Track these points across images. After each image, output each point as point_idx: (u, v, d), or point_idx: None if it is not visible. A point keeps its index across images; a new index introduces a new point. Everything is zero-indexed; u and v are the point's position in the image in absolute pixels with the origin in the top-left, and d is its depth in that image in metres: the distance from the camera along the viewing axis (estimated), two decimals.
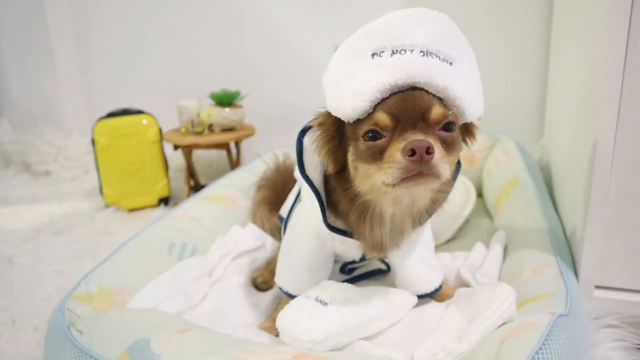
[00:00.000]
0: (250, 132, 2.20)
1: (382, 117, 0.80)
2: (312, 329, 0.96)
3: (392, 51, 0.80)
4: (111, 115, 2.16)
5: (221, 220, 1.58)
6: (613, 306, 1.12)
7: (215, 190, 1.74)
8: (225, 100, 2.15)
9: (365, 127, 0.82)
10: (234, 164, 2.26)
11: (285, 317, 1.00)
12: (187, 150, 2.17)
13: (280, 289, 1.14)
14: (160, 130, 2.18)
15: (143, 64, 2.78)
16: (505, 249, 1.30)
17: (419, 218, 0.98)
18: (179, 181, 2.39)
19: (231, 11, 2.55)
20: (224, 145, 2.18)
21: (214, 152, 2.44)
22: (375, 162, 0.81)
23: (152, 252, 1.32)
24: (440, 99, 0.81)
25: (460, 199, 1.65)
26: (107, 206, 2.18)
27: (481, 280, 1.18)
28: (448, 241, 1.56)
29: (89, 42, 2.86)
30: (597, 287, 1.16)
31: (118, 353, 0.88)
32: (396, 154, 0.78)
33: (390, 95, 0.80)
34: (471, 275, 1.21)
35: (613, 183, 1.07)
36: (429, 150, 0.75)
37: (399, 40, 0.80)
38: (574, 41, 1.47)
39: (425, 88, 0.80)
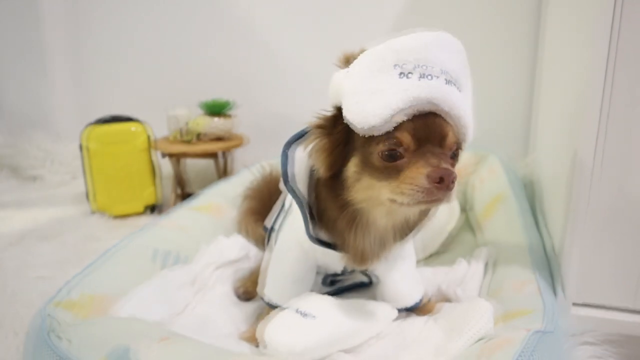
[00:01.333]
0: (239, 142, 2.21)
1: (407, 139, 0.83)
2: (291, 340, 0.96)
3: (420, 75, 0.82)
4: (100, 121, 2.17)
5: (207, 230, 1.58)
6: (591, 323, 1.13)
7: (202, 199, 1.74)
8: (215, 109, 2.16)
9: (384, 145, 0.84)
10: (222, 173, 2.26)
11: (265, 328, 1.01)
12: (176, 158, 2.18)
13: (262, 298, 1.15)
14: (149, 137, 2.18)
15: (135, 71, 2.78)
16: (487, 265, 1.32)
17: (406, 232, 1.00)
18: (168, 188, 2.39)
19: (224, 20, 2.57)
20: (213, 155, 2.19)
21: (203, 161, 2.44)
22: (388, 179, 0.84)
23: (135, 260, 1.32)
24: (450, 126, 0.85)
25: (444, 214, 1.67)
26: (93, 212, 2.18)
27: (462, 295, 1.19)
28: (431, 255, 1.57)
29: (82, 48, 2.86)
30: (575, 304, 1.17)
31: (97, 359, 0.88)
32: (419, 177, 0.80)
33: (412, 118, 0.83)
34: (452, 290, 1.22)
35: (593, 199, 1.08)
36: (453, 179, 0.79)
37: (428, 66, 0.83)
38: (560, 58, 1.50)
39: (443, 115, 0.83)
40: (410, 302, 1.15)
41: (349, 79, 0.88)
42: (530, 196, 1.71)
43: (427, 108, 0.82)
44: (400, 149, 0.83)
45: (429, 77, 0.81)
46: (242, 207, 1.64)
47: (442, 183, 0.78)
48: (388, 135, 0.83)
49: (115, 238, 1.88)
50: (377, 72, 0.85)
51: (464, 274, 1.29)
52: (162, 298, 1.20)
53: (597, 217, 1.10)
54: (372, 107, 0.83)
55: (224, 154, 2.26)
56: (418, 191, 0.80)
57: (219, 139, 2.18)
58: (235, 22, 2.56)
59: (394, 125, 0.83)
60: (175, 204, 2.18)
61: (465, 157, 1.98)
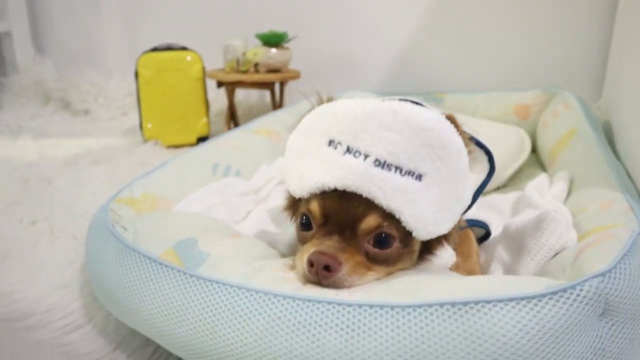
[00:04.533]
0: (296, 75, 2.15)
1: (315, 211, 0.76)
2: None
3: (347, 148, 0.73)
4: (156, 49, 2.13)
5: (266, 151, 1.54)
6: None
7: (259, 124, 1.70)
8: (273, 40, 2.10)
9: (302, 208, 0.79)
10: (277, 106, 2.21)
11: None
12: (231, 88, 2.13)
13: None
14: (203, 68, 2.14)
15: (189, 4, 2.73)
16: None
17: None
18: (219, 125, 2.35)
19: None
20: (269, 85, 2.13)
21: (255, 97, 2.39)
22: (300, 251, 0.77)
23: (196, 169, 1.29)
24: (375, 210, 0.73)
25: (513, 148, 1.59)
26: (145, 141, 2.16)
27: (552, 202, 1.10)
28: (498, 188, 1.49)
29: None
30: None
31: (164, 250, 0.83)
32: (304, 256, 0.73)
33: (331, 191, 0.74)
34: (540, 194, 1.14)
35: None
36: (328, 268, 0.70)
37: (355, 141, 0.73)
38: None
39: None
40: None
41: (292, 135, 0.83)
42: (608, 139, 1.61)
43: (348, 190, 0.72)
44: (310, 217, 0.77)
45: (357, 154, 0.72)
46: None
47: (313, 268, 0.71)
48: (306, 201, 0.78)
49: None
50: (310, 135, 0.78)
51: (546, 185, 1.20)
52: (224, 201, 1.16)
53: None
54: (294, 171, 0.79)
55: (281, 85, 2.21)
56: (300, 273, 0.74)
57: (275, 70, 2.12)
58: None
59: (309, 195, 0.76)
60: None
61: (534, 94, 1.88)
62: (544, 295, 0.61)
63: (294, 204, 0.87)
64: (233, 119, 2.24)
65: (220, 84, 2.13)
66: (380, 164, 0.71)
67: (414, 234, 0.73)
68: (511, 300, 0.61)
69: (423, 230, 0.73)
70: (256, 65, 2.08)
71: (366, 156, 0.71)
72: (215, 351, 0.70)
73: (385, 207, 0.71)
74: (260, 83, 2.09)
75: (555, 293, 0.62)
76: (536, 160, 1.68)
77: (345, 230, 0.74)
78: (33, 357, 0.90)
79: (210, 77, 2.12)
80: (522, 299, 0.61)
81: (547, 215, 0.86)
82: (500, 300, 0.61)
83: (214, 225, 0.97)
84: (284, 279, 0.73)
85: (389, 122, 0.72)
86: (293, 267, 0.77)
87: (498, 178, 1.49)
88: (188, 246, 0.83)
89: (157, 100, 2.11)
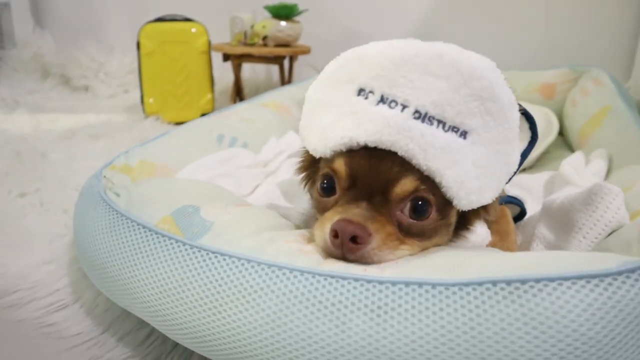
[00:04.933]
0: (306, 49, 2.04)
1: (341, 169, 0.64)
2: None
3: (381, 97, 0.61)
4: (159, 20, 2.02)
5: (275, 125, 1.44)
6: None
7: (268, 97, 1.59)
8: (283, 13, 1.98)
9: (324, 169, 0.68)
10: (286, 83, 2.10)
11: None
12: (237, 62, 2.02)
13: None
14: (209, 41, 2.03)
15: None
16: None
17: None
18: (224, 103, 2.25)
19: None
20: (278, 60, 2.02)
21: (262, 75, 2.28)
22: (320, 220, 0.66)
23: (200, 139, 1.18)
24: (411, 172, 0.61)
25: (541, 129, 1.47)
26: (146, 117, 2.05)
27: (592, 180, 0.99)
28: (524, 170, 1.38)
29: None
30: None
31: (161, 217, 0.73)
32: (326, 225, 0.62)
33: (361, 148, 0.63)
34: (576, 171, 1.03)
35: None
36: (355, 239, 0.59)
37: (391, 89, 0.61)
38: None
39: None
40: None
41: (312, 85, 0.71)
42: None
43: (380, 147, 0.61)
44: (335, 179, 0.65)
45: (392, 104, 0.60)
46: None
47: (338, 239, 0.59)
48: (329, 160, 0.66)
49: None
50: (335, 83, 0.66)
51: (582, 163, 1.09)
52: (230, 172, 1.05)
53: None
54: (316, 125, 0.67)
55: (290, 60, 2.09)
56: (320, 244, 0.62)
57: (284, 44, 2.00)
58: None
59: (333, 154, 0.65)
60: None
61: (560, 73, 1.77)
62: (619, 273, 0.50)
63: (312, 166, 0.75)
64: (239, 95, 2.13)
65: (226, 57, 2.02)
66: (421, 116, 0.59)
67: (454, 202, 0.62)
68: (580, 278, 0.50)
69: (465, 198, 0.61)
70: (264, 38, 1.97)
71: (404, 106, 0.60)
72: (218, 335, 0.60)
73: (424, 169, 0.60)
74: (268, 57, 1.97)
75: (633, 270, 0.51)
76: (562, 142, 1.57)
77: (375, 196, 0.62)
78: (11, 338, 0.80)
79: (216, 50, 2.01)
80: (594, 276, 0.50)
81: (601, 188, 0.75)
82: (566, 278, 0.50)
83: (220, 193, 0.86)
84: (301, 251, 0.62)
85: (433, 67, 0.60)
86: (311, 240, 0.66)
87: (526, 160, 1.38)
88: (189, 214, 0.73)
89: (160, 74, 2.00)
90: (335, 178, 0.66)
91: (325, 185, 0.67)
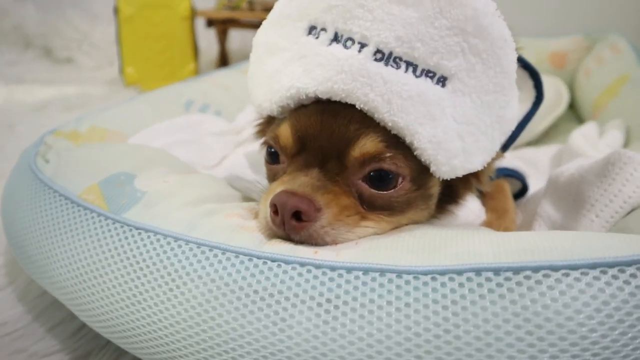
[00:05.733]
0: None
1: (285, 134, 0.52)
2: None
3: (335, 35, 0.49)
4: None
5: None
6: None
7: None
8: None
9: (269, 133, 0.55)
10: None
11: None
12: (222, 29, 1.89)
13: None
14: (192, 6, 1.89)
15: None
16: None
17: None
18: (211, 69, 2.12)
19: None
20: None
21: (251, 44, 2.14)
22: (267, 191, 0.55)
23: (165, 105, 1.06)
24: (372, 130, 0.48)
25: (549, 100, 1.34)
26: (126, 87, 1.93)
27: (605, 150, 0.86)
28: (529, 144, 1.26)
29: None
30: None
31: (86, 186, 0.61)
32: (268, 198, 0.49)
33: (312, 103, 0.50)
34: (588, 142, 0.89)
35: None
36: (299, 215, 0.46)
37: (346, 23, 0.48)
38: None
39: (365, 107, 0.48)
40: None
41: (261, 27, 0.59)
42: None
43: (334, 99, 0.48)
44: (278, 148, 0.53)
45: (348, 42, 0.48)
46: None
47: (278, 215, 0.47)
48: (276, 123, 0.54)
49: None
50: (284, 21, 0.54)
51: (596, 134, 0.97)
52: (194, 139, 0.93)
53: None
54: (260, 75, 0.55)
55: None
56: (263, 221, 0.50)
57: (272, 9, 1.86)
58: None
59: (282, 111, 0.53)
60: None
61: (572, 40, 1.63)
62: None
63: (267, 127, 0.63)
64: (224, 63, 2.00)
65: (210, 24, 1.88)
66: (384, 57, 0.47)
67: (432, 169, 0.49)
68: (593, 267, 0.38)
69: (446, 164, 0.49)
70: (251, 3, 1.83)
71: (362, 45, 0.47)
72: (138, 329, 0.49)
73: (389, 125, 0.47)
74: (255, 24, 1.84)
75: None
76: (573, 115, 1.44)
77: (329, 161, 0.50)
78: None
79: (200, 14, 1.87)
80: (612, 265, 0.38)
81: (620, 156, 0.60)
82: (575, 267, 0.38)
83: (167, 160, 0.74)
84: (242, 228, 0.50)
85: None
86: (257, 214, 0.54)
87: (530, 132, 1.26)
88: (119, 182, 0.61)
89: (140, 42, 1.87)
90: (278, 144, 0.53)
91: (271, 151, 0.55)
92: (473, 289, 0.38)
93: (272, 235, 0.49)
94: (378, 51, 0.46)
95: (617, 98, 1.21)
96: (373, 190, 0.50)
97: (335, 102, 0.48)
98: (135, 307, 0.48)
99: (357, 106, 0.47)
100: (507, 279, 0.38)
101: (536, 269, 0.38)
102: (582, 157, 0.88)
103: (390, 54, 0.46)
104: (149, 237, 0.50)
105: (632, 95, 1.17)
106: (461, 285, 0.39)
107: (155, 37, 1.87)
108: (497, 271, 0.39)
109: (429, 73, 0.47)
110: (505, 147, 0.58)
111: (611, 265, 0.38)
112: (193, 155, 0.89)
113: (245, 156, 0.93)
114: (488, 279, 0.38)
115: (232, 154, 0.98)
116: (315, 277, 0.42)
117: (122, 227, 0.53)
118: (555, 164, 0.98)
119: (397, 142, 0.48)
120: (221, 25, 1.86)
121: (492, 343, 0.36)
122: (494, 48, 0.48)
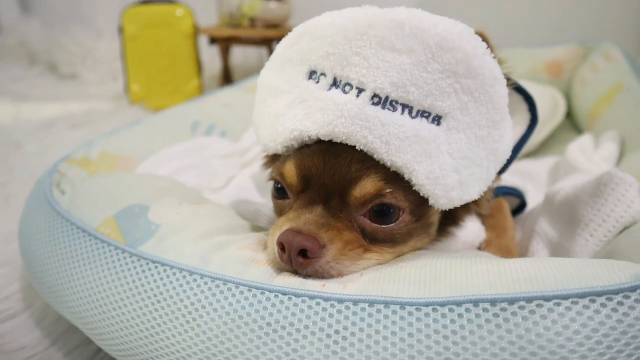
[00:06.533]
0: None
1: (290, 173, 0.54)
2: None
3: (334, 81, 0.51)
4: (143, 3, 1.92)
5: None
6: None
7: (253, 82, 1.49)
8: None
9: (275, 171, 0.58)
10: None
11: None
12: (225, 46, 1.92)
13: None
14: (195, 24, 1.92)
15: None
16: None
17: None
18: (213, 90, 2.15)
19: None
20: (267, 43, 1.91)
21: (253, 59, 2.18)
22: (275, 225, 0.57)
23: (173, 128, 1.09)
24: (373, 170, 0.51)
25: (547, 105, 1.37)
26: (132, 105, 1.96)
27: (602, 165, 0.88)
28: (528, 155, 1.28)
29: None
30: None
31: (103, 219, 0.64)
32: (276, 234, 0.52)
33: (315, 144, 0.53)
34: (584, 156, 0.92)
35: None
36: (305, 253, 0.49)
37: (344, 68, 0.50)
38: None
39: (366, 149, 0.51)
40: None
41: (264, 69, 0.61)
42: None
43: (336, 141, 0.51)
44: (285, 185, 0.55)
45: (347, 87, 0.50)
46: None
47: (285, 253, 0.50)
48: (281, 161, 0.57)
49: None
50: (286, 65, 0.56)
51: (591, 147, 0.99)
52: (201, 164, 0.96)
53: None
54: (265, 116, 0.57)
55: (279, 42, 1.98)
56: (272, 257, 0.52)
57: (274, 25, 1.89)
58: None
59: (286, 150, 0.56)
60: None
61: (568, 50, 1.65)
62: (633, 289, 0.41)
63: (273, 163, 0.66)
64: (229, 82, 2.03)
65: (213, 41, 1.91)
66: (381, 101, 0.49)
67: (431, 202, 0.52)
68: (583, 296, 0.41)
69: (444, 197, 0.52)
70: (253, 20, 1.86)
71: (360, 90, 0.50)
72: (158, 357, 0.51)
73: (388, 165, 0.50)
74: (257, 40, 1.87)
75: None
76: (570, 124, 1.46)
77: (332, 199, 0.53)
78: None
79: (202, 33, 1.90)
80: (600, 294, 0.41)
81: (613, 177, 0.63)
82: (565, 297, 0.41)
83: (178, 189, 0.77)
84: (253, 261, 0.53)
85: (392, 40, 0.50)
86: (266, 246, 0.57)
87: (528, 144, 1.27)
88: (134, 214, 0.64)
89: (144, 60, 1.91)
90: (284, 183, 0.56)
91: (279, 187, 0.58)
92: (472, 319, 0.41)
93: (282, 269, 0.51)
94: (375, 96, 0.49)
95: (612, 107, 1.23)
96: (375, 225, 0.52)
97: (337, 142, 0.51)
98: (154, 337, 0.51)
99: (357, 148, 0.50)
100: (503, 309, 0.41)
101: (530, 300, 0.41)
102: (578, 171, 0.91)
103: (387, 98, 0.49)
104: (165, 270, 0.53)
105: (626, 104, 1.20)
106: (460, 316, 0.42)
107: (159, 55, 1.90)
108: (493, 302, 0.41)
109: (424, 114, 0.49)
110: (502, 170, 0.61)
111: (599, 294, 0.41)
112: (200, 179, 0.92)
113: (251, 178, 0.96)
114: (485, 310, 0.41)
115: (238, 175, 1.01)
116: (324, 309, 0.45)
117: (139, 260, 0.56)
118: (552, 178, 1.00)
119: (396, 178, 0.51)
120: (224, 42, 1.90)
121: None
122: (485, 87, 0.50)
